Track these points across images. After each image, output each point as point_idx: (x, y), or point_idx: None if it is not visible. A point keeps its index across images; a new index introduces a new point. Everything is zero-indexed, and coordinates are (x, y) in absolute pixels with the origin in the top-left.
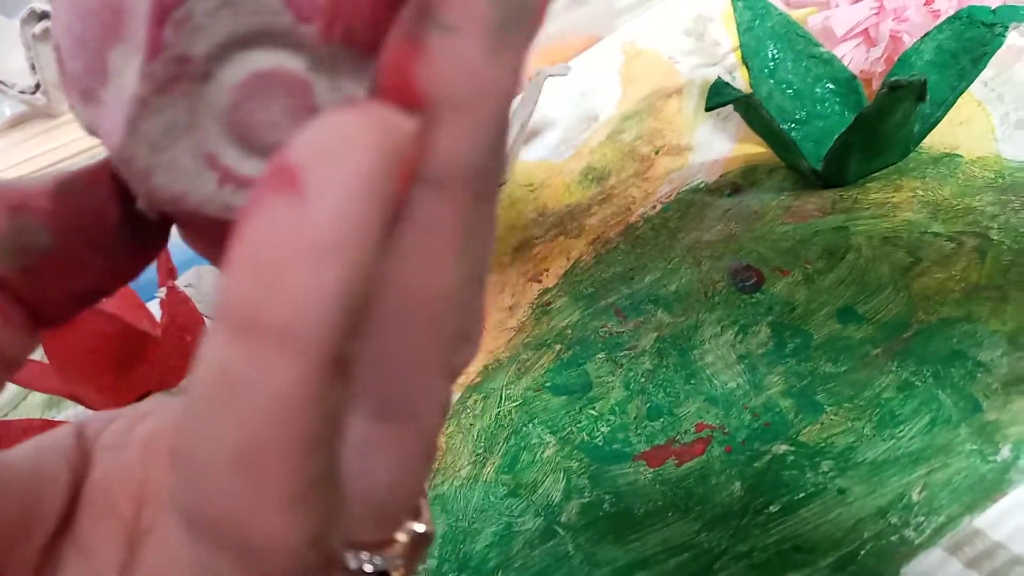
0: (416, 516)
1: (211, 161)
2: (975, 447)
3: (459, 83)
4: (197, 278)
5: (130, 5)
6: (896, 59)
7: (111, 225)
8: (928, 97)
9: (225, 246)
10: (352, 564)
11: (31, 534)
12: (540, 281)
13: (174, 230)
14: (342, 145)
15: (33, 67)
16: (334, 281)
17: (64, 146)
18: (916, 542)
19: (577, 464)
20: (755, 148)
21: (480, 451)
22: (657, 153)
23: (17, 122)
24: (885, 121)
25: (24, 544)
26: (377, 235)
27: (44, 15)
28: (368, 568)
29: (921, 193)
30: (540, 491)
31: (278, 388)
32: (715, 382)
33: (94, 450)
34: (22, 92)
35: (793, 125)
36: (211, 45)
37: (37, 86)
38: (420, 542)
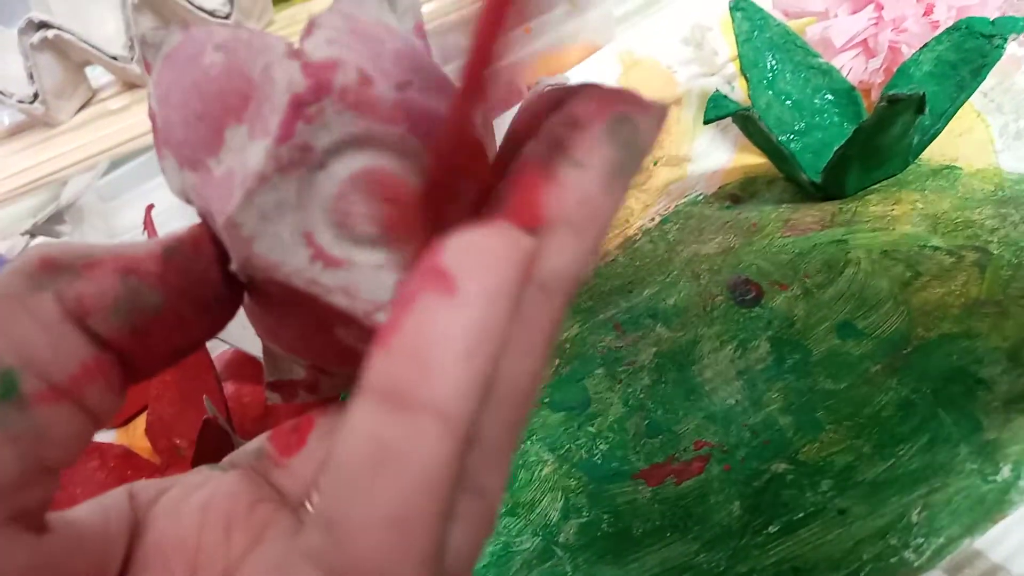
0: None
1: (308, 239)
2: (975, 467)
3: (579, 210)
4: None
5: (262, 95)
6: (895, 70)
7: (213, 286)
8: (927, 109)
9: (289, 321)
10: None
11: None
12: None
13: None
14: (487, 257)
15: (31, 76)
16: (478, 369)
17: (62, 155)
18: (916, 564)
19: (575, 483)
20: (754, 159)
21: None
22: (655, 164)
23: (15, 131)
24: (884, 133)
25: None
26: (507, 331)
27: (42, 25)
28: None
29: (921, 206)
30: (538, 510)
31: (431, 459)
32: (714, 398)
33: (150, 514)
34: (20, 101)
35: (792, 136)
36: (332, 140)
37: (35, 95)
38: None
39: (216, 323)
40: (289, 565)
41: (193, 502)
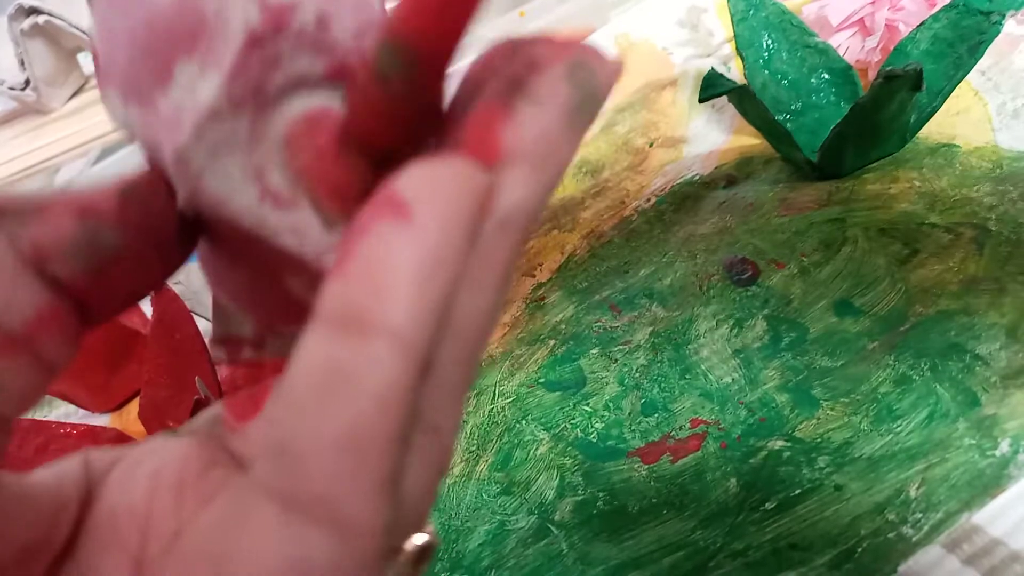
0: (421, 527)
1: (258, 177)
2: (973, 442)
3: (536, 147)
4: (186, 276)
5: (216, 32)
6: (892, 48)
7: (170, 224)
8: (924, 87)
9: (238, 267)
10: None
11: (40, 557)
12: (534, 276)
13: None
14: (443, 186)
15: (22, 63)
16: (433, 295)
17: (55, 143)
18: (914, 539)
19: (571, 461)
20: (750, 140)
21: (473, 448)
22: (651, 145)
23: (7, 119)
24: (881, 111)
25: (33, 565)
26: (463, 262)
27: (32, 11)
28: None
29: (918, 184)
30: (533, 489)
31: (384, 381)
32: (710, 377)
33: (104, 482)
34: (11, 88)
35: (788, 116)
36: (286, 79)
37: (27, 82)
38: (425, 552)
39: (174, 262)
40: (241, 503)
41: (145, 469)
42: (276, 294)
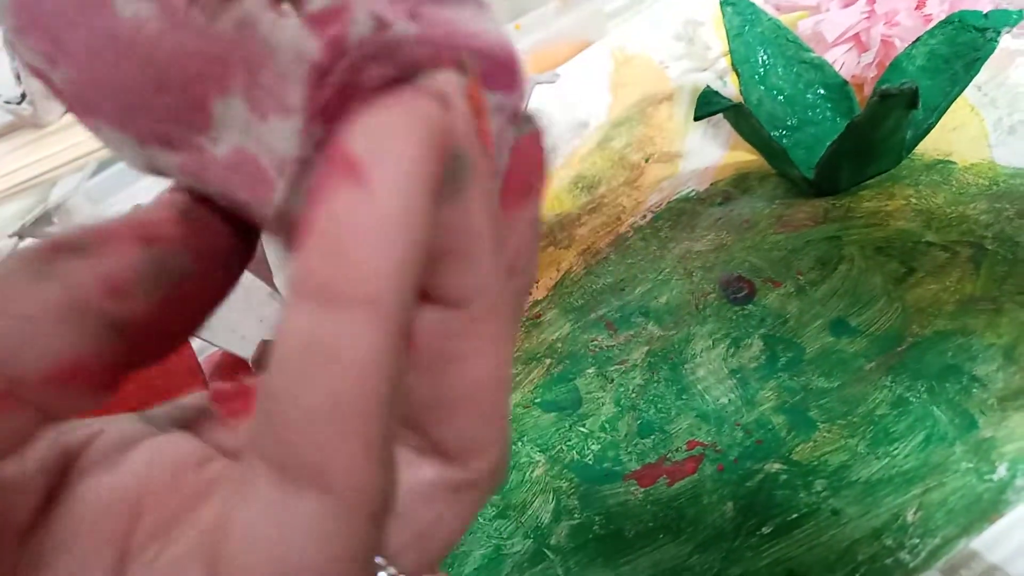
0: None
1: None
2: (971, 466)
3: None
4: None
5: (252, 59)
6: (888, 64)
7: (229, 239)
8: (920, 103)
9: None
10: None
11: (5, 529)
12: (530, 293)
13: None
14: (396, 139)
15: (18, 77)
16: (400, 256)
17: (51, 157)
18: (911, 565)
19: (567, 484)
20: (746, 155)
21: None
22: (647, 161)
23: (3, 133)
24: (877, 128)
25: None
26: (430, 210)
27: None
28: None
29: (914, 201)
30: (529, 512)
31: (362, 349)
32: (707, 397)
33: (83, 459)
34: (7, 102)
35: (784, 131)
36: (363, 97)
37: (23, 96)
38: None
39: (234, 277)
40: (239, 477)
41: (137, 454)
42: None
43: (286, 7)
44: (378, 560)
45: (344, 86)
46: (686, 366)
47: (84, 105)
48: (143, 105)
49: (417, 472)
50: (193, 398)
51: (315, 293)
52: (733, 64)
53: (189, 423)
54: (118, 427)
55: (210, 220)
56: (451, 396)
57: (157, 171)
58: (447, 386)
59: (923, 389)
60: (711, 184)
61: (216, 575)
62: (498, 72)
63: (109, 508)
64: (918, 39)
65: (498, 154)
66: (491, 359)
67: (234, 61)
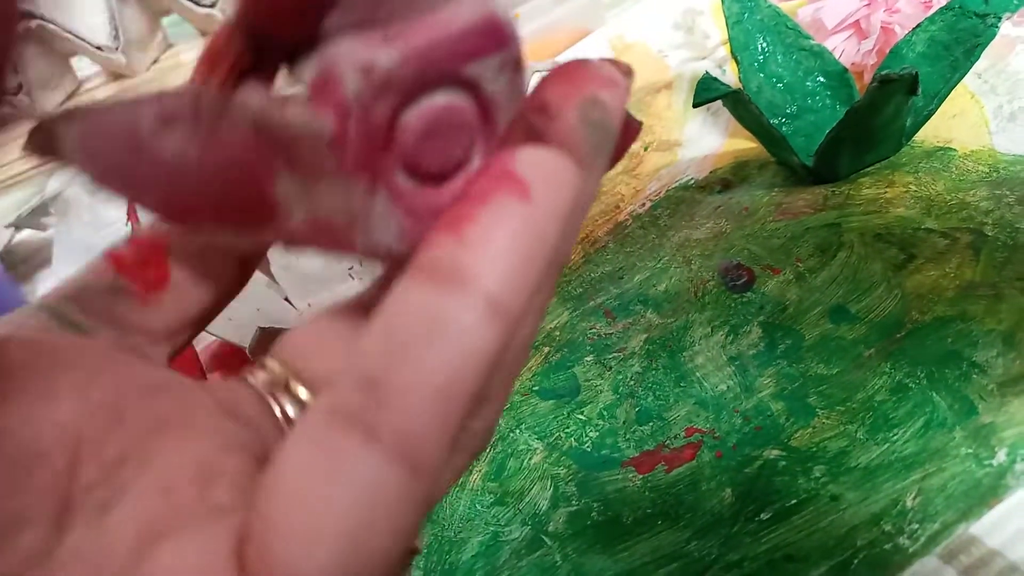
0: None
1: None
2: (970, 451)
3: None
4: None
5: (287, 142)
6: (888, 51)
7: None
8: (920, 90)
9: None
10: None
11: None
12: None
13: None
14: (558, 173)
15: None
16: (535, 271)
17: None
18: (910, 550)
19: (565, 471)
20: (745, 143)
21: None
22: (646, 149)
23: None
24: (877, 115)
25: None
26: (558, 248)
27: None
28: None
29: (914, 188)
30: (527, 499)
31: (482, 341)
32: (705, 384)
33: (11, 380)
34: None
35: (784, 119)
36: (386, 135)
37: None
38: (406, 555)
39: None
40: (318, 424)
41: (68, 378)
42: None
43: (285, 94)
44: None
45: (363, 136)
46: (685, 353)
47: (180, 219)
48: (222, 207)
49: None
50: (93, 273)
51: (448, 276)
52: (732, 51)
53: (102, 310)
54: (29, 331)
55: None
56: None
57: (259, 246)
58: None
59: (922, 375)
60: (710, 172)
61: (260, 535)
62: (486, 40)
63: (46, 447)
64: (918, 26)
65: (511, 100)
66: None
67: (269, 150)
